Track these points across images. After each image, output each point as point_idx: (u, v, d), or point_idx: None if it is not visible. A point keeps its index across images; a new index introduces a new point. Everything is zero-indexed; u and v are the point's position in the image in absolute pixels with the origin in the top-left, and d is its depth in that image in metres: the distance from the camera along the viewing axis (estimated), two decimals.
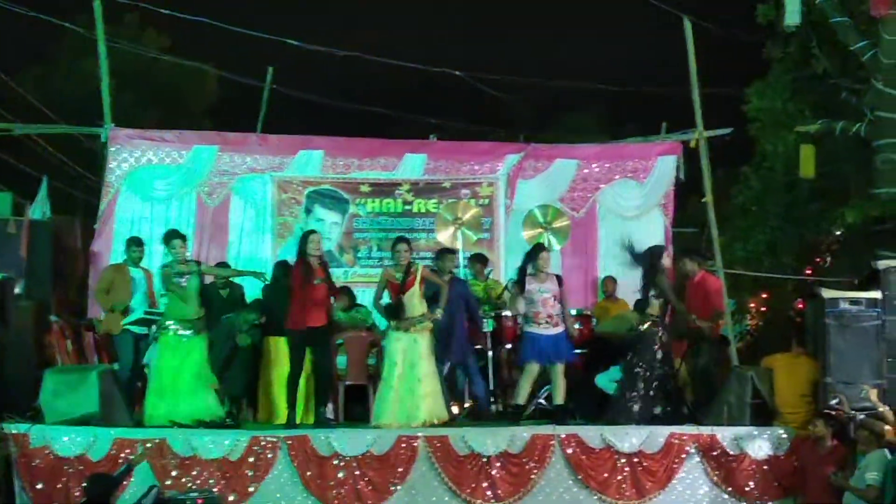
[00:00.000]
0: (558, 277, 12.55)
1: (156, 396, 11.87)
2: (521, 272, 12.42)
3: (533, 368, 12.18)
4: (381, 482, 11.22)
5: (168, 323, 12.05)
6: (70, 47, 22.10)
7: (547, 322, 12.18)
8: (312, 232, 12.47)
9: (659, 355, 12.20)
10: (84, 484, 9.69)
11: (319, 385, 12.25)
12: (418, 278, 12.06)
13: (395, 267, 12.14)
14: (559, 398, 12.22)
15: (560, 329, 12.26)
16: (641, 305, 12.60)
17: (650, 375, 12.10)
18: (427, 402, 11.82)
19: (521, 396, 12.24)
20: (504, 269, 14.77)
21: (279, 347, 12.41)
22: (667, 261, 12.80)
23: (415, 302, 12.01)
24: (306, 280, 11.97)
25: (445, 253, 13.21)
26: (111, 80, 14.34)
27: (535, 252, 12.51)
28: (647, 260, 12.72)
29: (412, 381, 11.82)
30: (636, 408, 12.00)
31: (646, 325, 12.27)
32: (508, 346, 13.31)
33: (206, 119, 24.52)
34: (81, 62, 21.35)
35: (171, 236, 12.42)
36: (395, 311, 11.99)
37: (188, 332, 12.02)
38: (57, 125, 16.86)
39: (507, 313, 13.22)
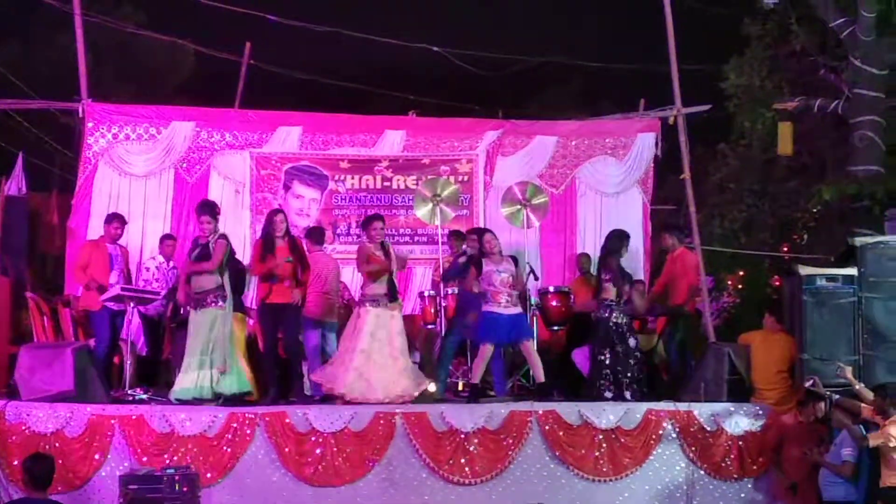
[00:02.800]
0: (514, 259, 12.64)
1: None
2: (479, 255, 12.58)
3: (489, 349, 12.23)
4: (358, 458, 11.20)
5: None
6: (45, 21, 21.89)
7: (507, 302, 12.25)
8: (277, 212, 12.51)
9: (617, 339, 12.22)
10: (26, 462, 9.61)
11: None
12: (393, 254, 12.17)
13: (371, 244, 12.20)
14: (540, 375, 12.28)
15: (518, 309, 12.38)
16: (595, 289, 12.64)
17: (614, 360, 12.14)
18: (403, 377, 11.92)
19: (477, 376, 12.30)
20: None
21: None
22: (625, 248, 12.77)
23: (392, 280, 12.13)
24: (265, 257, 12.10)
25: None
26: (87, 55, 14.25)
27: (479, 236, 12.72)
28: (605, 242, 12.80)
29: (387, 357, 11.90)
30: (608, 395, 12.03)
31: (599, 311, 12.33)
32: None
33: (183, 95, 24.34)
34: (57, 36, 21.16)
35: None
36: (393, 290, 12.11)
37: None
38: (32, 100, 16.71)
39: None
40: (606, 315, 12.25)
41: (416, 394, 11.96)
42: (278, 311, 12.12)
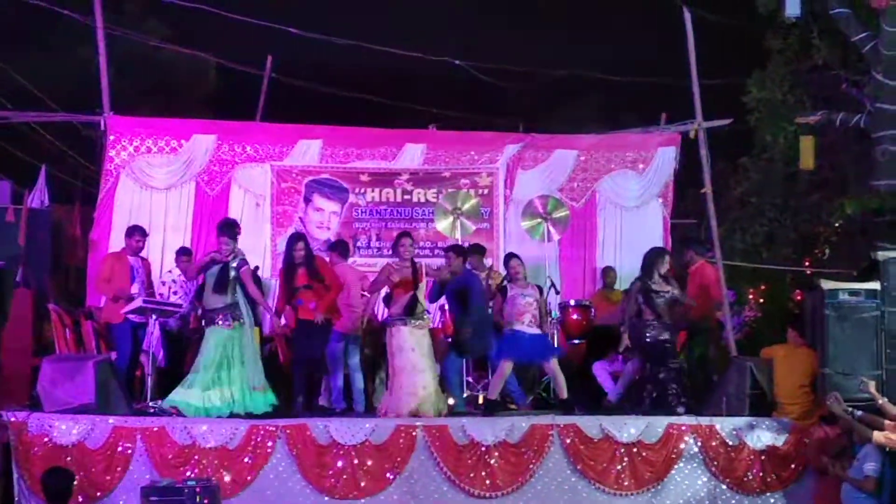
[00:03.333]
0: (539, 288, 12.82)
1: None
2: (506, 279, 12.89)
3: (509, 367, 12.31)
4: (379, 471, 11.21)
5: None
6: (68, 35, 22.04)
7: (531, 322, 12.34)
8: (297, 240, 12.65)
9: (668, 355, 12.31)
10: (44, 477, 9.74)
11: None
12: (424, 275, 12.28)
13: (399, 262, 12.24)
14: (563, 393, 12.29)
15: (538, 331, 12.48)
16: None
17: (668, 376, 12.18)
18: (439, 395, 12.10)
19: (495, 392, 12.34)
20: (502, 260, 14.77)
21: None
22: (664, 266, 12.74)
23: (421, 298, 12.21)
24: (289, 283, 12.36)
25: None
26: (110, 68, 14.33)
27: (506, 261, 12.94)
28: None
29: (431, 374, 12.05)
30: (681, 410, 12.03)
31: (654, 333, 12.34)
32: None
33: (204, 108, 24.44)
34: (80, 50, 21.29)
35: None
36: (413, 307, 12.09)
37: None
38: (55, 113, 16.80)
39: None
40: (651, 335, 12.28)
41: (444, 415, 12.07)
42: (308, 325, 12.24)
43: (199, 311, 12.79)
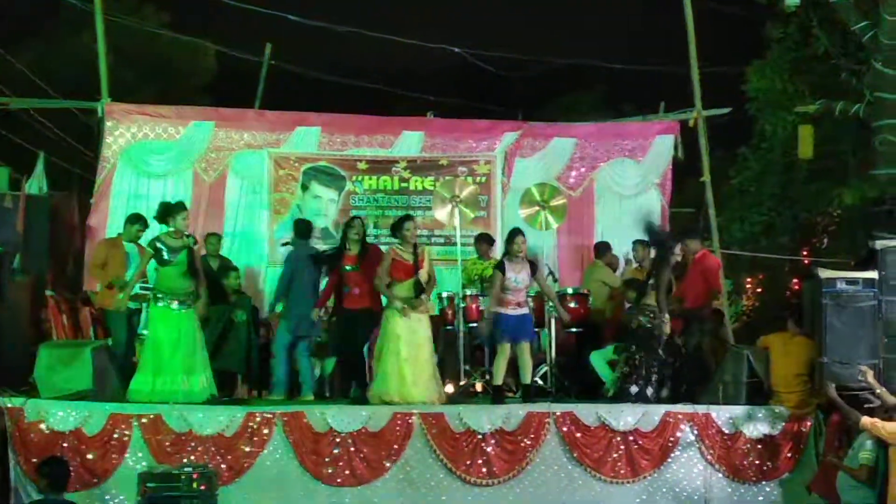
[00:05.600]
0: (532, 264, 12.44)
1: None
2: (504, 257, 12.46)
3: (506, 349, 12.17)
4: (375, 458, 11.21)
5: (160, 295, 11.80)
6: (67, 22, 22.04)
7: (515, 306, 12.17)
8: (352, 220, 12.59)
9: (663, 347, 12.19)
10: (41, 467, 9.75)
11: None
12: (426, 259, 12.15)
13: (402, 245, 12.13)
14: (526, 378, 12.23)
15: (525, 310, 12.28)
16: (639, 288, 12.62)
17: (655, 366, 12.11)
18: (431, 383, 11.96)
19: (498, 378, 12.23)
20: (500, 248, 14.75)
21: None
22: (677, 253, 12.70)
23: (419, 282, 12.07)
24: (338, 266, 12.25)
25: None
26: (108, 55, 14.32)
27: (511, 237, 12.42)
28: (661, 247, 12.76)
29: (421, 362, 11.91)
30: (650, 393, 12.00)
31: (645, 319, 12.24)
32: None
33: (203, 95, 24.46)
34: (79, 37, 21.29)
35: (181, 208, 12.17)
36: (415, 292, 12.00)
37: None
38: (53, 100, 16.80)
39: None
40: (654, 324, 12.22)
41: (438, 402, 11.93)
42: (354, 315, 12.24)
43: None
